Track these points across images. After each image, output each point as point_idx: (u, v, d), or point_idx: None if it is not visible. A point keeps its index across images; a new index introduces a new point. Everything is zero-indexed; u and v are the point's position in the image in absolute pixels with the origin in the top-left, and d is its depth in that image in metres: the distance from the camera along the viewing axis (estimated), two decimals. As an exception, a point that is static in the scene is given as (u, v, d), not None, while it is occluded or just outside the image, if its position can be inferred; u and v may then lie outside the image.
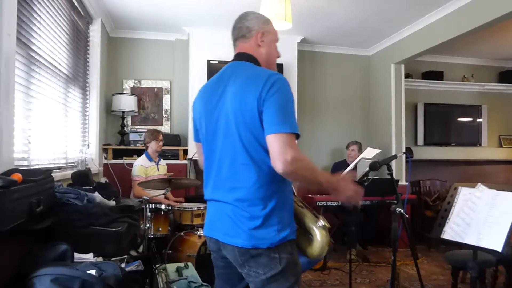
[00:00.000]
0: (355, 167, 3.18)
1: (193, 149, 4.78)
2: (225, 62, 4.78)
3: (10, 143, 2.12)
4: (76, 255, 1.89)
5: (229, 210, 1.39)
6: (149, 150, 4.12)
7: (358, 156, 4.35)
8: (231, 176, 1.40)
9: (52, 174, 2.28)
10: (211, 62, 4.85)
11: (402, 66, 5.36)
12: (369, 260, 4.41)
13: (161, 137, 4.15)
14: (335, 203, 4.38)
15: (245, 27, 1.56)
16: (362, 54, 5.85)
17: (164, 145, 4.31)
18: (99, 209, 2.18)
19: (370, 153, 2.87)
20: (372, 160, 2.49)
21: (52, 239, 1.94)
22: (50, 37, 2.96)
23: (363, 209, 4.51)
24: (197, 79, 4.88)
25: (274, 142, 1.29)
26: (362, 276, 3.91)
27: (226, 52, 4.91)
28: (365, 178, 2.56)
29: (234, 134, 1.38)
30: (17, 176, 1.70)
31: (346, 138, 5.31)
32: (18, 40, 2.26)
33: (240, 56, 1.55)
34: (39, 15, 2.71)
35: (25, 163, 2.51)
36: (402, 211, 2.16)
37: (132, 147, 4.79)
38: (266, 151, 1.32)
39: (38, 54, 2.70)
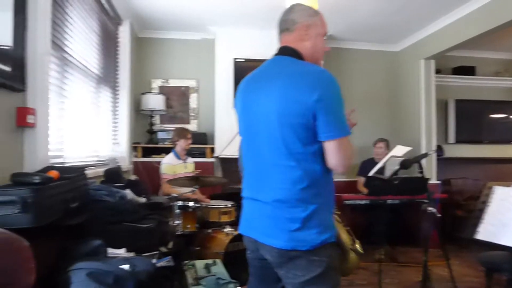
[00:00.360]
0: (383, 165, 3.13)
1: (220, 147, 4.82)
2: (252, 61, 4.87)
3: (45, 141, 2.20)
4: (109, 250, 1.95)
5: (268, 210, 1.36)
6: (177, 148, 4.17)
7: (386, 153, 4.29)
8: (271, 176, 1.37)
9: (85, 172, 2.35)
10: (237, 60, 4.87)
11: (432, 61, 5.22)
12: (398, 260, 4.33)
13: (189, 135, 4.20)
14: (363, 202, 4.32)
15: (290, 19, 1.49)
16: (389, 50, 5.74)
17: (191, 143, 4.35)
18: (130, 206, 2.24)
19: (400, 151, 2.82)
20: (402, 158, 2.45)
21: (85, 235, 2.00)
22: (82, 39, 3.04)
23: (391, 208, 4.43)
24: (224, 77, 4.92)
25: (334, 149, 1.30)
26: (390, 277, 3.83)
27: (252, 50, 4.96)
28: (395, 176, 2.51)
29: (276, 134, 1.34)
30: (54, 173, 1.76)
31: (373, 136, 5.22)
32: (52, 42, 2.33)
33: (283, 50, 1.48)
34: (71, 18, 2.79)
35: (60, 160, 2.59)
36: (434, 210, 2.11)
37: (160, 145, 4.86)
38: (310, 153, 1.31)
39: (70, 55, 2.78)
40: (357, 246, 1.40)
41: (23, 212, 1.47)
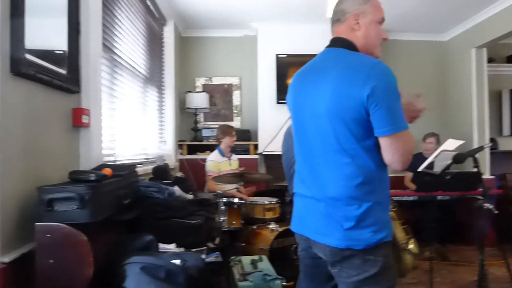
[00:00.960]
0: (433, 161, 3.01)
1: (264, 144, 4.83)
2: (294, 56, 4.85)
3: (99, 140, 2.30)
4: (160, 245, 2.01)
5: (321, 208, 1.34)
6: (222, 146, 4.22)
7: (436, 149, 4.12)
8: (324, 173, 1.33)
9: (136, 169, 2.43)
10: (279, 56, 4.86)
11: (484, 50, 4.95)
12: (449, 258, 4.16)
13: (234, 132, 4.24)
14: (410, 198, 4.19)
15: (340, 10, 1.42)
16: (437, 39, 5.50)
17: (235, 140, 4.38)
18: (179, 202, 2.29)
19: (451, 144, 2.69)
20: (454, 153, 2.34)
21: (137, 230, 2.07)
22: (130, 40, 3.15)
23: (441, 205, 4.26)
24: (266, 73, 4.93)
25: (390, 145, 1.25)
26: (442, 276, 3.69)
27: (294, 45, 4.93)
28: (447, 171, 2.40)
29: (328, 129, 1.30)
30: (108, 171, 1.84)
31: (421, 130, 5.03)
32: (103, 44, 2.43)
33: (335, 42, 1.42)
34: (119, 20, 2.89)
35: (111, 159, 2.70)
36: (490, 207, 2.00)
37: (205, 142, 4.95)
38: (365, 149, 1.27)
39: (119, 57, 2.88)
40: (412, 246, 1.34)
41: (81, 208, 1.55)
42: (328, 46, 1.44)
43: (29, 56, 1.62)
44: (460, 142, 2.86)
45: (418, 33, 5.42)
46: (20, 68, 1.56)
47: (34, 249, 1.52)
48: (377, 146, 1.29)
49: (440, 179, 2.81)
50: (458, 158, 2.12)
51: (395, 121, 1.23)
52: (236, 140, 4.39)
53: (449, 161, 2.24)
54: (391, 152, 1.26)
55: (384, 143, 1.26)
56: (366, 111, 1.24)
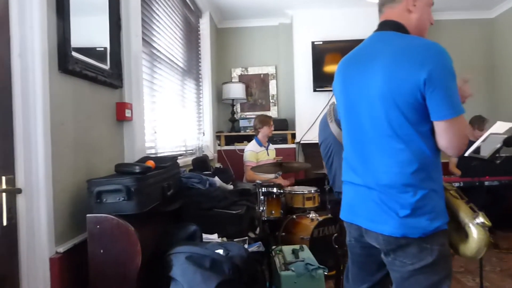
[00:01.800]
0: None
1: (301, 133, 4.80)
2: (330, 42, 4.77)
3: (142, 133, 2.36)
4: (203, 235, 2.04)
5: (374, 196, 1.30)
6: (260, 136, 4.23)
7: (482, 133, 3.94)
8: (377, 160, 1.30)
9: (177, 161, 2.48)
10: (315, 43, 4.78)
11: (536, 27, 4.66)
12: (499, 246, 3.99)
13: (272, 122, 4.23)
14: (456, 184, 4.04)
15: None
16: (483, 17, 5.22)
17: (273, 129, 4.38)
18: (220, 193, 2.32)
19: (501, 127, 2.54)
20: (504, 136, 2.22)
21: (181, 220, 2.12)
22: (167, 34, 3.20)
23: (490, 190, 4.08)
24: (302, 61, 4.87)
25: (448, 130, 1.21)
26: (491, 264, 3.54)
27: (330, 31, 4.84)
28: (496, 155, 2.28)
29: (381, 115, 1.27)
30: (151, 163, 1.88)
31: (468, 113, 4.81)
32: (142, 39, 2.48)
33: (385, 25, 1.37)
34: (157, 15, 2.94)
35: (153, 151, 2.77)
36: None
37: (242, 133, 4.98)
38: (420, 134, 1.23)
39: (158, 51, 2.93)
40: (482, 218, 1.29)
41: (127, 199, 1.60)
42: (376, 30, 1.40)
43: (74, 54, 1.68)
44: (510, 124, 2.71)
45: (462, 11, 5.16)
46: (67, 65, 1.62)
47: (86, 240, 1.60)
48: (432, 131, 1.25)
49: (488, 164, 2.68)
50: (509, 141, 2.01)
51: (453, 104, 1.19)
52: (274, 130, 4.39)
53: (498, 145, 2.13)
54: (448, 137, 1.22)
55: (441, 127, 1.22)
56: (422, 95, 1.20)
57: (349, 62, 1.45)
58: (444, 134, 1.22)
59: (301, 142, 4.82)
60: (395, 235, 1.25)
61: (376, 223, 1.30)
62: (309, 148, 4.83)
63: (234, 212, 2.25)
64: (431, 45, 1.21)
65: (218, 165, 4.69)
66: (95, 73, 1.84)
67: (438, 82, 1.17)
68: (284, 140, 4.95)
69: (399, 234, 1.24)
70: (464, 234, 1.32)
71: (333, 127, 2.44)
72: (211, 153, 4.47)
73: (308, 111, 4.71)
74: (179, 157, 3.26)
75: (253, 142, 4.24)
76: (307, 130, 4.67)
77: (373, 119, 1.30)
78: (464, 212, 1.33)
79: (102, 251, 1.57)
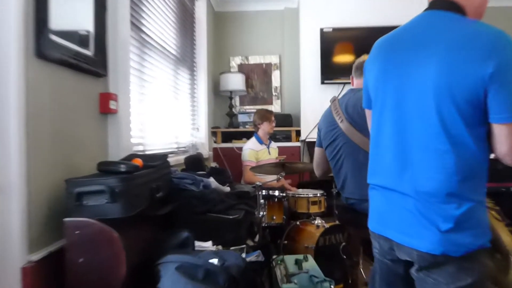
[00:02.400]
0: None
1: (307, 130, 4.77)
2: (341, 30, 4.74)
3: (128, 128, 2.33)
4: (196, 243, 2.02)
5: (409, 204, 1.25)
6: (260, 132, 4.21)
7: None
8: (418, 163, 1.24)
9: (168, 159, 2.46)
10: (324, 30, 4.74)
11: None
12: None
13: (273, 117, 4.22)
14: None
15: None
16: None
17: (275, 126, 4.36)
18: (216, 195, 2.30)
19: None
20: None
21: (172, 226, 2.10)
22: (159, 17, 3.17)
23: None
24: (309, 51, 4.83)
25: (508, 134, 1.15)
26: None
27: (342, 17, 4.79)
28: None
29: (431, 111, 1.20)
30: (138, 162, 1.86)
31: None
32: (131, 23, 2.45)
33: (439, 4, 1.30)
34: (148, -5, 2.91)
35: (141, 148, 2.74)
36: None
37: (241, 129, 4.96)
38: (473, 137, 1.17)
39: (148, 36, 2.90)
40: None
41: (111, 202, 1.58)
42: (428, 9, 1.33)
43: (53, 37, 1.65)
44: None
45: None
46: (45, 50, 1.59)
47: (64, 247, 1.57)
48: (488, 135, 1.19)
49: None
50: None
51: None
52: (277, 126, 4.37)
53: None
54: (509, 142, 1.15)
55: (502, 131, 1.16)
56: (485, 93, 1.14)
57: (392, 46, 1.38)
58: (505, 140, 1.16)
59: (307, 140, 4.79)
60: (433, 252, 1.20)
61: (411, 237, 1.25)
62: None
63: (231, 217, 2.23)
64: (500, 35, 1.14)
65: (213, 164, 4.67)
66: (76, 59, 1.81)
67: (505, 79, 1.12)
68: (287, 138, 4.93)
69: (438, 252, 1.19)
70: (502, 262, 1.29)
71: (345, 126, 2.42)
72: (206, 151, 4.45)
73: (315, 106, 4.67)
74: (170, 155, 3.23)
75: (253, 139, 4.22)
76: (313, 127, 4.64)
77: (421, 115, 1.24)
78: (506, 238, 1.29)
79: (81, 260, 1.54)
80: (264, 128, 4.18)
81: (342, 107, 2.48)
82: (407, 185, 1.26)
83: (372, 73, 1.44)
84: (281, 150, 4.49)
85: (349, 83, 2.82)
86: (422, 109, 1.23)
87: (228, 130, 4.98)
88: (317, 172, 2.84)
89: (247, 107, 5.26)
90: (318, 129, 2.78)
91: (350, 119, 2.41)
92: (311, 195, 3.55)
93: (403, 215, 1.27)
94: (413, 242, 1.24)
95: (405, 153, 1.28)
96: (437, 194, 1.19)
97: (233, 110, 5.11)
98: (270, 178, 3.67)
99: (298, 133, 4.91)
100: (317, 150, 2.77)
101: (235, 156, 4.57)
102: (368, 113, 1.60)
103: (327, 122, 2.59)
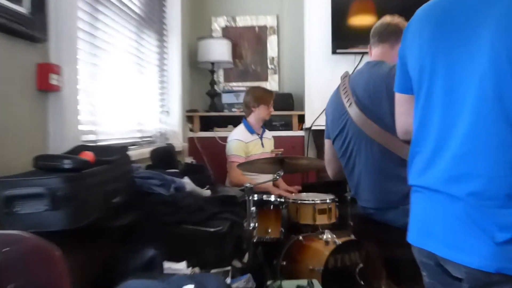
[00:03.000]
0: None
1: (313, 115, 4.78)
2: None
3: (75, 111, 2.32)
4: (165, 263, 2.02)
5: (459, 209, 1.30)
6: (252, 118, 4.19)
7: None
8: (472, 157, 1.29)
9: (128, 153, 2.45)
10: (336, -17, 4.74)
11: None
12: None
13: (272, 100, 4.22)
14: None
15: None
16: None
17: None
18: (192, 201, 2.31)
19: None
20: None
21: (133, 241, 2.10)
22: (117, -37, 3.14)
23: None
24: (316, 10, 4.83)
25: None
26: None
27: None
28: None
29: (489, 93, 1.26)
30: (89, 155, 1.85)
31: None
32: (79, -30, 2.42)
33: None
34: None
35: (92, 138, 2.73)
36: None
37: (226, 113, 4.97)
38: None
39: (103, -12, 2.88)
40: None
41: (52, 209, 1.57)
42: None
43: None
44: None
45: None
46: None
47: (-11, 268, 1.56)
48: None
49: None
50: None
51: None
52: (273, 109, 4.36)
53: None
54: None
55: None
56: None
57: (435, 16, 1.45)
58: None
59: (313, 128, 4.80)
60: (486, 269, 1.23)
61: (458, 250, 1.29)
62: (324, 138, 4.82)
63: (211, 229, 2.24)
64: None
65: (189, 159, 4.66)
66: (5, 18, 1.79)
67: None
68: (287, 125, 4.94)
69: (492, 269, 1.22)
70: None
71: (353, 112, 2.44)
72: (179, 142, 4.44)
73: (324, 83, 4.67)
74: (131, 147, 3.22)
75: (241, 127, 4.22)
76: (321, 111, 4.64)
77: (480, 99, 1.28)
78: None
79: (12, 286, 1.53)
80: (260, 113, 4.17)
81: (352, 87, 2.49)
82: (455, 185, 1.31)
83: (413, 47, 1.50)
84: (278, 142, 4.48)
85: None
86: (481, 93, 1.27)
87: (208, 114, 4.98)
88: (329, 171, 2.86)
89: (234, 84, 5.26)
90: (326, 115, 2.79)
91: (360, 103, 2.43)
92: (318, 201, 3.55)
93: (450, 223, 1.31)
94: (461, 257, 1.28)
95: (455, 147, 1.33)
96: (495, 195, 1.23)
97: (216, 88, 5.11)
98: (263, 179, 3.67)
99: (301, 118, 4.93)
100: (327, 143, 2.79)
101: (218, 149, 4.57)
102: (401, 98, 1.66)
103: (334, 106, 2.61)
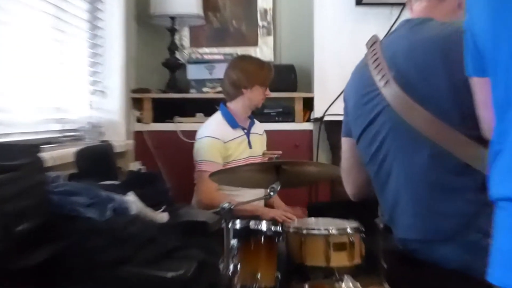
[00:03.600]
0: None
1: (326, 99, 4.79)
2: None
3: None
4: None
5: None
6: (237, 105, 4.21)
7: None
8: None
9: (41, 155, 2.44)
10: None
11: None
12: None
13: (268, 79, 4.23)
14: None
15: None
16: None
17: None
18: (139, 230, 2.30)
19: None
20: None
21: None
22: None
23: None
24: None
25: None
26: None
27: None
28: None
29: None
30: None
31: None
32: None
33: None
34: None
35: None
36: None
37: (193, 94, 5.00)
38: None
39: None
40: None
41: None
42: None
43: None
44: None
45: None
46: None
47: None
48: None
49: None
50: None
51: None
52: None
53: None
54: None
55: None
56: None
57: None
58: None
59: (326, 118, 4.81)
60: None
61: None
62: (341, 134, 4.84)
63: (169, 274, 2.24)
64: None
65: (136, 165, 4.66)
66: None
67: None
68: (287, 114, 4.97)
69: None
70: None
71: (391, 93, 2.43)
72: (120, 139, 4.43)
73: (343, 50, 4.71)
74: (45, 146, 3.20)
75: (218, 117, 4.23)
76: (339, 94, 4.66)
77: None
78: None
79: None
80: (252, 99, 4.18)
81: (388, 57, 2.49)
82: None
83: (485, 13, 1.55)
84: (274, 139, 4.50)
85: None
86: None
87: (166, 96, 5.02)
88: (349, 185, 2.87)
89: (207, 50, 5.28)
90: (344, 100, 2.79)
91: (402, 79, 2.42)
92: (333, 231, 3.56)
93: None
94: None
95: None
96: None
97: (178, 56, 5.13)
98: (251, 196, 3.68)
99: (307, 104, 4.99)
100: (346, 142, 2.79)
101: (181, 151, 4.58)
102: (481, 84, 1.69)
103: (360, 86, 2.60)
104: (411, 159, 2.45)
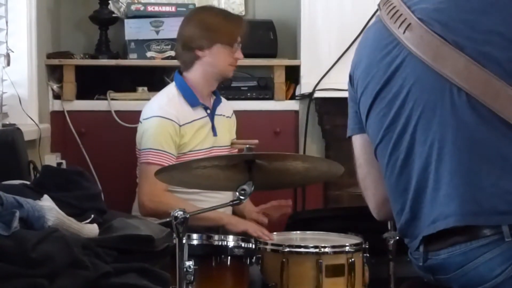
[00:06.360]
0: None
1: (318, 66, 4.80)
2: None
3: None
4: None
5: None
6: (196, 74, 4.21)
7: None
8: None
9: None
10: None
11: None
12: None
13: (240, 36, 4.20)
14: None
15: None
16: None
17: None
18: (58, 247, 2.29)
19: None
20: None
21: None
22: None
23: None
24: None
25: None
26: None
27: None
28: None
29: None
30: None
31: None
32: None
33: None
34: None
35: None
36: None
37: (133, 61, 4.99)
38: None
39: None
40: None
41: None
42: None
43: None
44: None
45: None
46: None
47: None
48: None
49: None
50: None
51: None
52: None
53: None
54: None
55: None
56: None
57: None
58: None
59: (317, 94, 4.82)
60: None
61: None
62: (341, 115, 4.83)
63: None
64: None
65: (53, 158, 4.65)
66: None
67: None
68: (263, 88, 4.98)
69: None
70: None
71: (414, 36, 2.41)
72: (32, 122, 4.40)
73: (337, 6, 4.71)
74: None
75: (171, 91, 4.25)
76: (337, 59, 4.67)
77: None
78: None
79: None
80: (214, 63, 4.20)
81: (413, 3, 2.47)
82: None
83: None
84: (247, 123, 4.51)
85: None
86: None
87: (95, 63, 5.03)
88: (370, 202, 2.78)
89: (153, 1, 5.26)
90: (352, 77, 2.75)
91: (430, 21, 2.38)
92: (326, 250, 3.58)
93: None
94: None
95: None
96: None
97: (111, 7, 5.13)
98: (213, 200, 3.68)
99: (291, 75, 4.98)
100: (357, 139, 2.74)
101: (117, 137, 4.58)
102: None
103: (372, 45, 2.58)
104: (447, 129, 2.34)
